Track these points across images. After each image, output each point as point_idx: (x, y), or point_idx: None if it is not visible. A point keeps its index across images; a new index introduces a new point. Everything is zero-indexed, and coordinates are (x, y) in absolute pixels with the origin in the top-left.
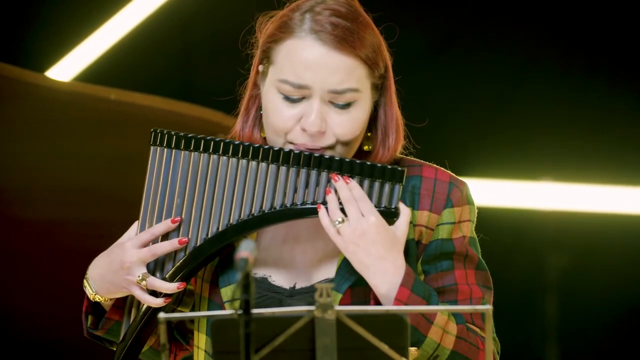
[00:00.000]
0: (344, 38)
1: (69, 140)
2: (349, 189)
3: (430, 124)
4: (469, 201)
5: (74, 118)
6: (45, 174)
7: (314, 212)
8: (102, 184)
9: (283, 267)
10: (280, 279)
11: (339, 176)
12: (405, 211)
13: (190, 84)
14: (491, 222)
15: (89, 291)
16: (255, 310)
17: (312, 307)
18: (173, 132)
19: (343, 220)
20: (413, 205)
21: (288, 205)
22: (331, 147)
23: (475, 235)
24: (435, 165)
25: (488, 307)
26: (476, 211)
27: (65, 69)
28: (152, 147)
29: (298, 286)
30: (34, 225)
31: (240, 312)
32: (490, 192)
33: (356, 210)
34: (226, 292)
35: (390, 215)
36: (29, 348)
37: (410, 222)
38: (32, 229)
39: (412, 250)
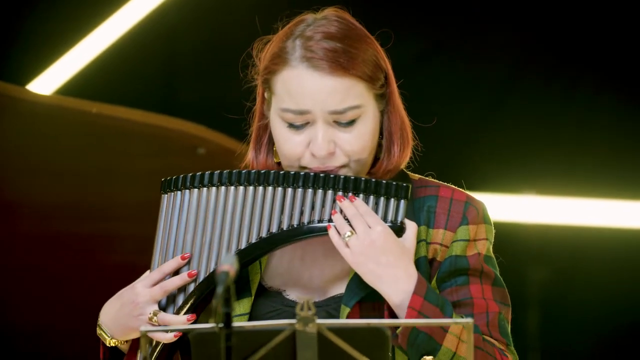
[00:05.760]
0: (337, 61)
1: (50, 154)
2: (354, 207)
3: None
4: (485, 220)
5: (56, 131)
6: (27, 188)
7: (322, 230)
8: (84, 198)
9: (299, 283)
10: (294, 294)
11: (344, 197)
12: (411, 225)
13: (172, 97)
14: None
15: (104, 337)
16: (236, 324)
17: (293, 321)
18: (181, 175)
19: (352, 234)
20: (429, 224)
21: (295, 225)
22: (345, 165)
23: (492, 254)
24: (452, 186)
25: (469, 320)
26: (493, 231)
27: (47, 83)
28: (162, 196)
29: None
30: (16, 240)
31: (221, 325)
32: None
33: (363, 223)
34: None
35: (396, 230)
36: None
37: (424, 240)
38: (14, 243)
39: (424, 268)
